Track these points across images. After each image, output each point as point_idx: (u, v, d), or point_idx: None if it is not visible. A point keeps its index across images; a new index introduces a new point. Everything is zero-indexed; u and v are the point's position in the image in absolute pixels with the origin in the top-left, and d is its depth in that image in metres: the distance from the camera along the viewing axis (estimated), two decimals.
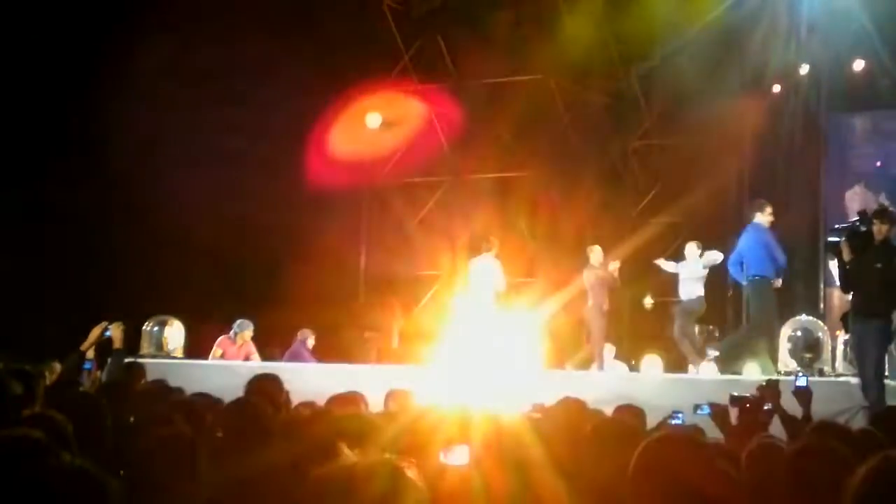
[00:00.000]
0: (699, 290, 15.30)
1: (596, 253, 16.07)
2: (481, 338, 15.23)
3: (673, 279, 15.92)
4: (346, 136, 20.35)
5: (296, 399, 7.87)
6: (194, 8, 18.22)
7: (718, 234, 17.30)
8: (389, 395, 8.68)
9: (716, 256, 15.20)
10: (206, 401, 7.15)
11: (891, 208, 12.57)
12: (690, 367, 14.96)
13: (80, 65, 17.97)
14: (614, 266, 16.08)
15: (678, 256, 15.95)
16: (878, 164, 19.59)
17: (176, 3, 18.34)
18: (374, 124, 20.63)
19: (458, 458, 4.37)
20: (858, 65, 18.65)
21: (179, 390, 8.12)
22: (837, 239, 11.25)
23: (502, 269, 16.19)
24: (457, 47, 20.82)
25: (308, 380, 11.85)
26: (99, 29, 18.16)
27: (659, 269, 16.09)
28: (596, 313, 15.78)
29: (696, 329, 15.87)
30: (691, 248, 15.46)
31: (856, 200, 18.54)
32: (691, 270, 15.40)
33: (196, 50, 18.04)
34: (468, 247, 19.71)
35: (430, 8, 20.87)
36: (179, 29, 17.93)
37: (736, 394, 7.42)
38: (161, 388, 8.20)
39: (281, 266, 18.64)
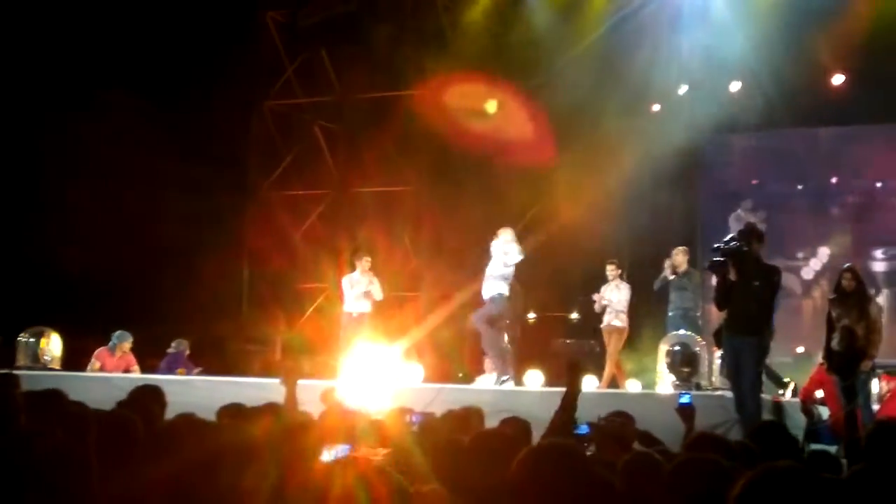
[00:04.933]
0: (502, 288, 14.72)
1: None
2: (363, 350, 15.19)
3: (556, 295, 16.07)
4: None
5: (178, 411, 7.77)
6: None
7: (601, 250, 17.50)
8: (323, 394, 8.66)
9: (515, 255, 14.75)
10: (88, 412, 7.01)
11: (759, 226, 12.84)
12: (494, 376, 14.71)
13: None
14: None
15: (562, 272, 16.08)
16: (754, 182, 20.06)
17: None
18: None
19: (339, 454, 4.39)
20: (735, 86, 19.06)
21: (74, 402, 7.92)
22: (718, 258, 11.44)
23: (379, 282, 16.22)
24: (341, 61, 20.83)
25: (190, 392, 11.74)
26: None
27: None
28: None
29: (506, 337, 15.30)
30: (496, 243, 14.87)
31: (740, 223, 18.90)
32: (494, 266, 14.79)
33: None
34: (351, 260, 19.76)
35: (313, 21, 20.83)
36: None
37: (577, 418, 7.27)
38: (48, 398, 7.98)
39: (163, 278, 18.47)
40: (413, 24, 20.02)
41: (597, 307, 16.39)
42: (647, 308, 16.89)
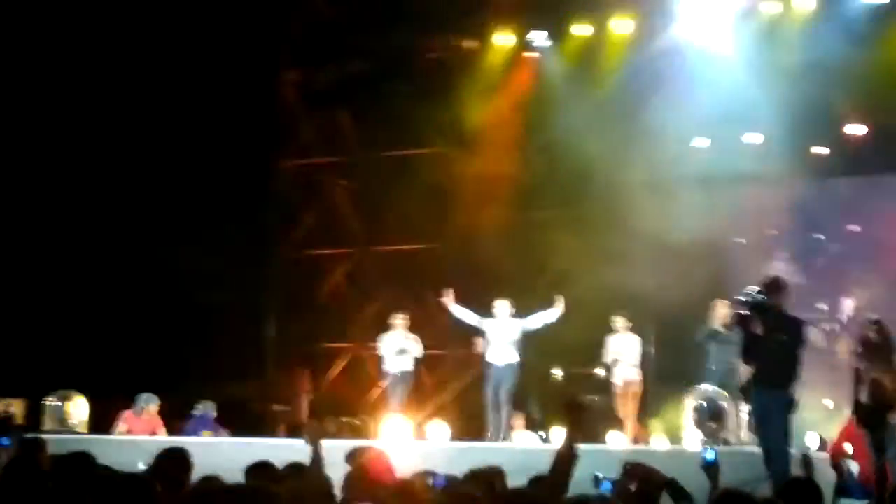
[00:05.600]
0: (516, 356, 15.07)
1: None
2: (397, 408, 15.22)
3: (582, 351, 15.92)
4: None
5: (204, 473, 7.76)
6: None
7: (627, 305, 17.45)
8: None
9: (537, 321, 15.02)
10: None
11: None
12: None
13: None
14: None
15: (588, 327, 16.04)
16: (773, 232, 19.89)
17: None
18: None
19: None
20: (753, 137, 19.06)
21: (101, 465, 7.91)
22: (743, 311, 11.39)
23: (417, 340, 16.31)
24: (358, 119, 20.94)
25: (216, 454, 11.72)
26: None
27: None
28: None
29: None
30: (503, 307, 15.22)
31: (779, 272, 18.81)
32: (505, 332, 15.15)
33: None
34: (376, 318, 19.80)
35: (331, 80, 20.95)
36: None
37: (600, 475, 7.17)
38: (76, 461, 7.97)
39: (187, 340, 18.50)
40: (430, 82, 20.10)
41: (606, 362, 16.29)
42: (672, 362, 16.83)
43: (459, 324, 15.96)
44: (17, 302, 17.89)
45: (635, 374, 16.17)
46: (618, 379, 16.26)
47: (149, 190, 18.65)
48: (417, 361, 16.51)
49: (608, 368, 16.50)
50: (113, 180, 18.73)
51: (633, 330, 16.40)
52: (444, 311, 15.95)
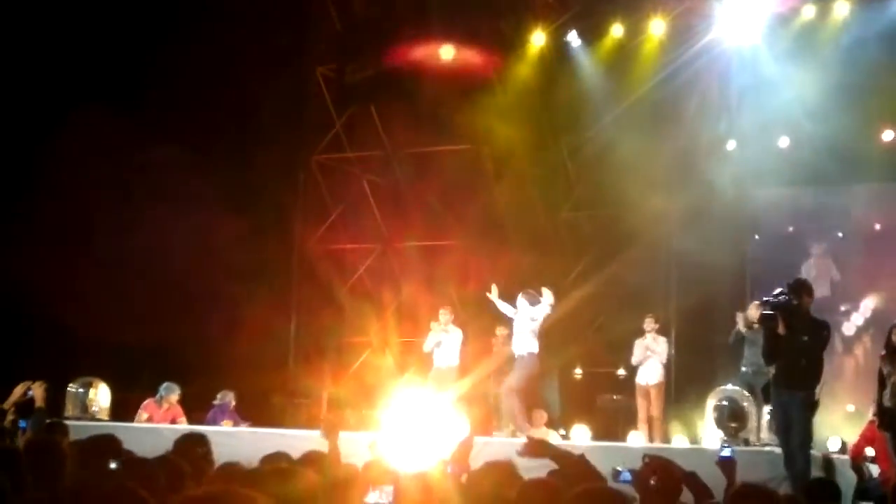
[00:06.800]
0: (531, 346, 14.85)
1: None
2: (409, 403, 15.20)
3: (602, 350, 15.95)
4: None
5: (223, 461, 7.79)
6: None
7: (648, 304, 17.46)
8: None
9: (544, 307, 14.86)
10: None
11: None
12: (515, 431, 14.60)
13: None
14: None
15: (609, 327, 16.02)
16: (790, 228, 19.79)
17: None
18: None
19: (382, 497, 4.38)
20: (784, 141, 19.04)
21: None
22: (767, 311, 11.38)
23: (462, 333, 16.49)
24: (389, 116, 20.95)
25: (236, 443, 11.77)
26: None
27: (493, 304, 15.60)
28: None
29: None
30: (521, 299, 15.00)
31: (813, 268, 18.76)
32: (521, 322, 14.93)
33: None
34: (398, 314, 19.85)
35: (363, 76, 20.97)
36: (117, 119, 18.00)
37: (619, 467, 7.13)
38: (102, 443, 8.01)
39: (210, 332, 18.54)
40: (459, 79, 20.10)
41: (635, 360, 16.28)
42: (692, 361, 16.80)
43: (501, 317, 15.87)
44: (37, 290, 17.95)
45: (662, 375, 16.15)
46: (642, 379, 16.24)
47: (180, 182, 18.68)
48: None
49: (634, 369, 16.49)
50: (145, 171, 18.79)
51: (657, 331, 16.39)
52: (465, 305, 15.94)
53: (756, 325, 14.86)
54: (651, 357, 16.13)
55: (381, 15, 20.97)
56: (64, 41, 18.55)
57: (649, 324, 16.21)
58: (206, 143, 19.23)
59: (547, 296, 14.75)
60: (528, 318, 14.77)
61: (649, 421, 16.03)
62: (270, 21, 20.19)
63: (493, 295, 15.39)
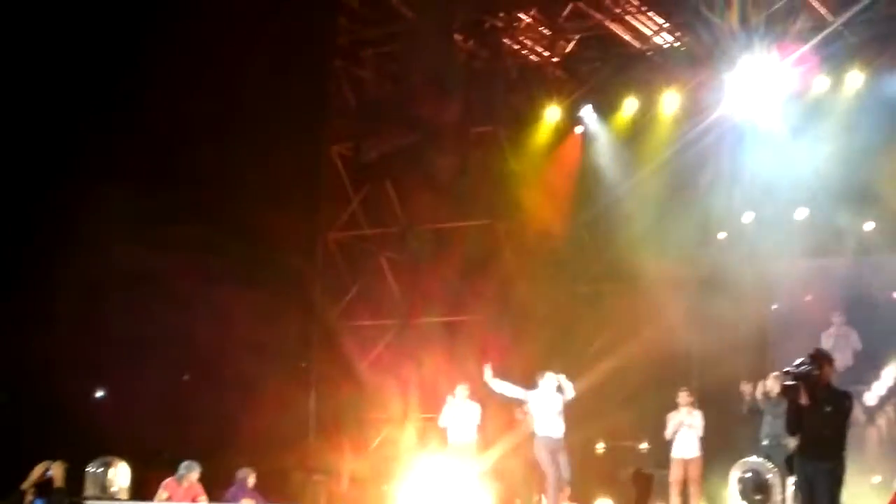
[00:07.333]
0: (562, 428, 14.92)
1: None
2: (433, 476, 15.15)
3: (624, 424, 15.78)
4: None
5: None
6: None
7: (669, 378, 17.37)
8: None
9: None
10: None
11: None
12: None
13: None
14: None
15: (632, 400, 15.91)
16: (808, 297, 19.72)
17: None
18: None
19: None
20: (801, 213, 19.04)
21: None
22: (789, 382, 11.33)
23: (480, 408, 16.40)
24: (405, 192, 21.05)
25: None
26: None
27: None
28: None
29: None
30: (547, 378, 15.04)
31: (832, 338, 18.63)
32: (550, 403, 14.99)
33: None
34: (418, 389, 19.80)
35: (378, 154, 21.11)
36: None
37: None
38: None
39: (230, 408, 18.54)
40: (476, 155, 20.22)
41: (668, 434, 16.06)
42: (714, 432, 16.67)
43: (500, 397, 15.87)
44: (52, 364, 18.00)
45: (699, 449, 15.79)
46: (678, 453, 15.88)
47: (198, 259, 18.77)
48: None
49: (664, 442, 16.29)
50: (163, 247, 18.89)
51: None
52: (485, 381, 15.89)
53: (773, 396, 14.82)
54: (687, 431, 15.82)
55: (395, 91, 21.16)
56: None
57: (684, 398, 15.85)
58: (223, 219, 19.34)
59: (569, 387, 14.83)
60: (560, 400, 14.83)
61: (684, 494, 15.76)
62: (286, 100, 20.39)
63: (488, 376, 15.42)
